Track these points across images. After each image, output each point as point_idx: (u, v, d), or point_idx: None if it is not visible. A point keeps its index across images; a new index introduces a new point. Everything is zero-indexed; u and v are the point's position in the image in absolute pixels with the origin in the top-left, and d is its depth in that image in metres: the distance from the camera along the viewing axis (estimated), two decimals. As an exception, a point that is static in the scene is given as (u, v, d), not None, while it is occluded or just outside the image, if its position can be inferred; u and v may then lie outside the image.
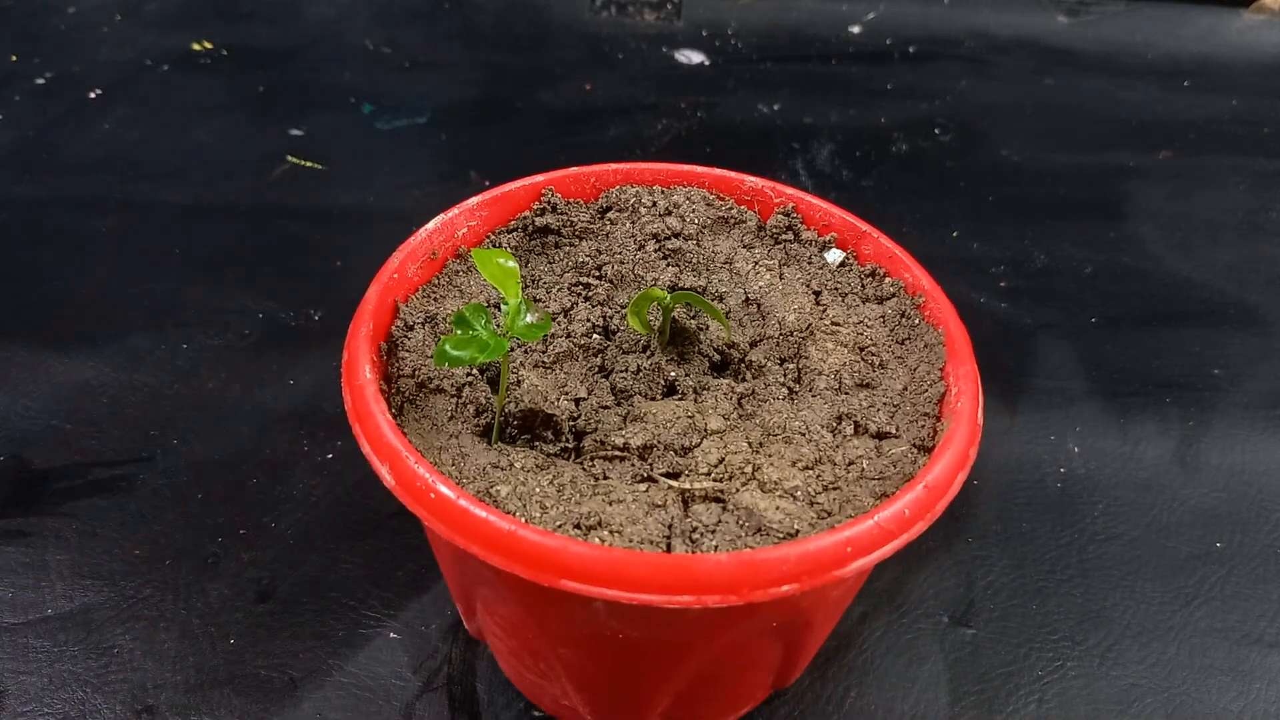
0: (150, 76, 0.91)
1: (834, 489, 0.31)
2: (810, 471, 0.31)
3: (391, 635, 0.43)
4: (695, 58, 1.00)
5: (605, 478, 0.31)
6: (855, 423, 0.33)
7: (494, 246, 0.39)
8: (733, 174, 0.42)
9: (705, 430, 0.33)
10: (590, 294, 0.38)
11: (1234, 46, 1.07)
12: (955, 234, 0.72)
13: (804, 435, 0.33)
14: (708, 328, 0.37)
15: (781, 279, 0.39)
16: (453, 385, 0.33)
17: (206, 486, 0.49)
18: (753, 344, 0.37)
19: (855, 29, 1.08)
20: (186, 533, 0.47)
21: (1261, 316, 0.67)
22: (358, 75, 0.93)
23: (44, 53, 0.93)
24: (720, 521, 0.29)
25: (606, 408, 0.34)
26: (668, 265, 0.40)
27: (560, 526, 0.27)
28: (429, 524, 0.27)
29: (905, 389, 0.34)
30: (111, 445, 0.52)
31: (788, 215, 0.41)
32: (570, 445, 0.33)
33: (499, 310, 0.35)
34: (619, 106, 0.90)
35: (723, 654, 0.32)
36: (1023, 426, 0.56)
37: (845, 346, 0.36)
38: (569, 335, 0.36)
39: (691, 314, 0.38)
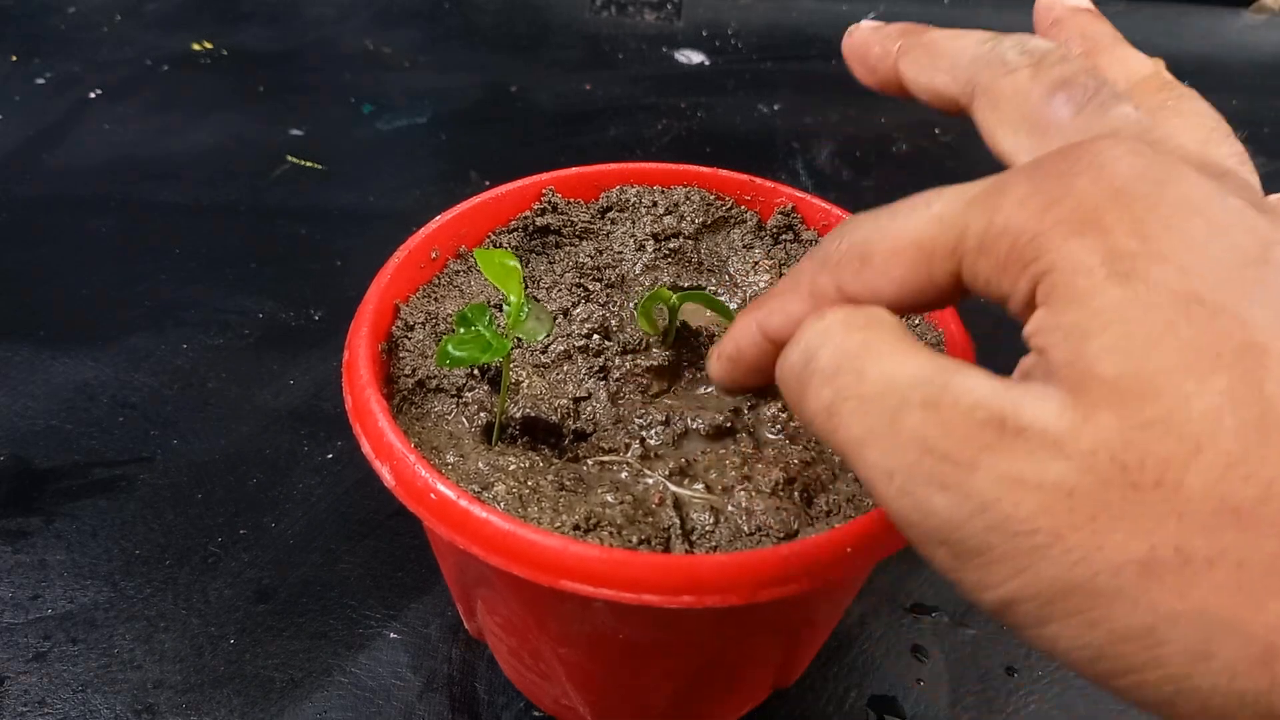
0: (150, 76, 0.91)
1: (834, 489, 0.31)
2: (810, 471, 0.31)
3: (391, 635, 0.43)
4: (695, 58, 1.00)
5: (605, 479, 0.31)
6: (855, 423, 0.33)
7: (494, 246, 0.39)
8: (732, 174, 0.42)
9: (705, 431, 0.33)
10: (590, 294, 0.38)
11: (1234, 46, 1.07)
12: (955, 234, 0.72)
13: (804, 435, 0.33)
14: (708, 327, 0.37)
15: (781, 279, 0.39)
16: (453, 385, 0.33)
17: (206, 486, 0.49)
18: (753, 344, 0.37)
19: (855, 29, 1.07)
20: (186, 533, 0.47)
21: (1261, 316, 0.67)
22: (358, 75, 0.93)
23: (44, 53, 0.93)
24: (720, 522, 0.29)
25: (606, 409, 0.34)
26: (668, 265, 0.40)
27: (560, 527, 0.27)
28: (429, 524, 0.27)
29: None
30: (111, 445, 0.52)
31: (788, 215, 0.41)
32: (570, 446, 0.33)
33: (500, 311, 0.35)
34: (619, 106, 0.90)
35: (723, 654, 0.32)
36: (1023, 426, 0.55)
37: (845, 346, 0.36)
38: (569, 336, 0.36)
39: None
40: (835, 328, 0.20)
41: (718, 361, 0.25)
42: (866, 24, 0.28)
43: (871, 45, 0.27)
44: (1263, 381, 0.16)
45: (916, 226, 0.21)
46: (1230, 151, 0.23)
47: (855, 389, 0.19)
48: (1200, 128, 0.23)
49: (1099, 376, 0.17)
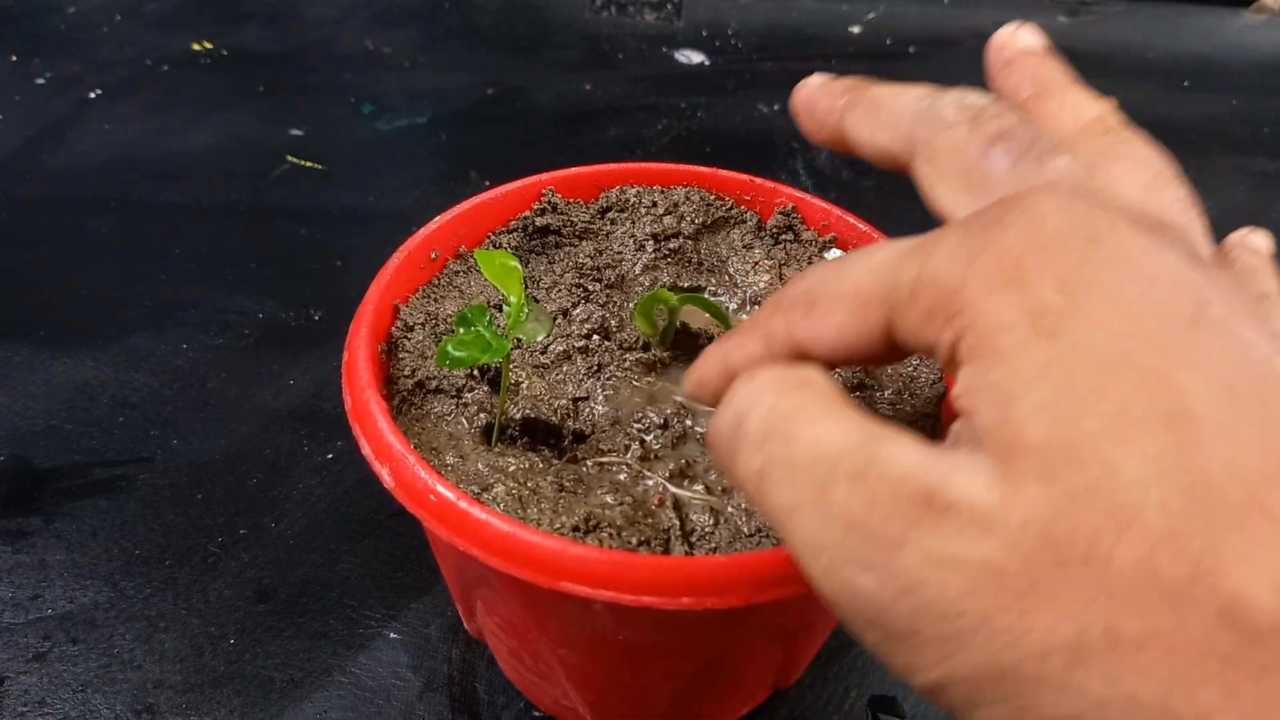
0: (150, 76, 0.91)
1: (834, 490, 0.31)
2: (810, 472, 0.31)
3: (391, 635, 0.43)
4: (695, 58, 1.00)
5: (604, 480, 0.31)
6: (855, 423, 0.33)
7: (494, 247, 0.39)
8: (732, 173, 0.42)
9: (704, 432, 0.33)
10: (590, 294, 0.38)
11: (1234, 46, 1.07)
12: (955, 234, 0.72)
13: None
14: (708, 330, 0.37)
15: (781, 279, 0.39)
16: (453, 386, 0.33)
17: (206, 486, 0.50)
18: (753, 344, 0.37)
19: (855, 29, 1.08)
20: (186, 533, 0.47)
21: (1261, 317, 0.67)
22: (358, 75, 0.93)
23: (44, 53, 0.93)
24: (719, 523, 0.29)
25: (605, 409, 0.34)
26: (668, 265, 0.40)
27: (560, 528, 0.27)
28: (429, 525, 0.27)
29: (904, 389, 0.34)
30: (111, 445, 0.52)
31: (788, 215, 0.41)
32: (570, 447, 0.33)
33: (500, 311, 0.35)
34: (619, 106, 0.90)
35: (723, 655, 0.32)
36: (1023, 427, 0.55)
37: (845, 347, 0.36)
38: (569, 336, 0.36)
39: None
40: (767, 389, 0.20)
41: (688, 384, 0.25)
42: (815, 79, 0.28)
43: (818, 101, 0.27)
44: (1192, 450, 0.15)
45: (857, 275, 0.21)
46: (1173, 198, 0.22)
47: (784, 455, 0.19)
48: (1143, 173, 0.23)
49: (1026, 443, 0.16)
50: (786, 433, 0.19)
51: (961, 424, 0.18)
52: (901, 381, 0.35)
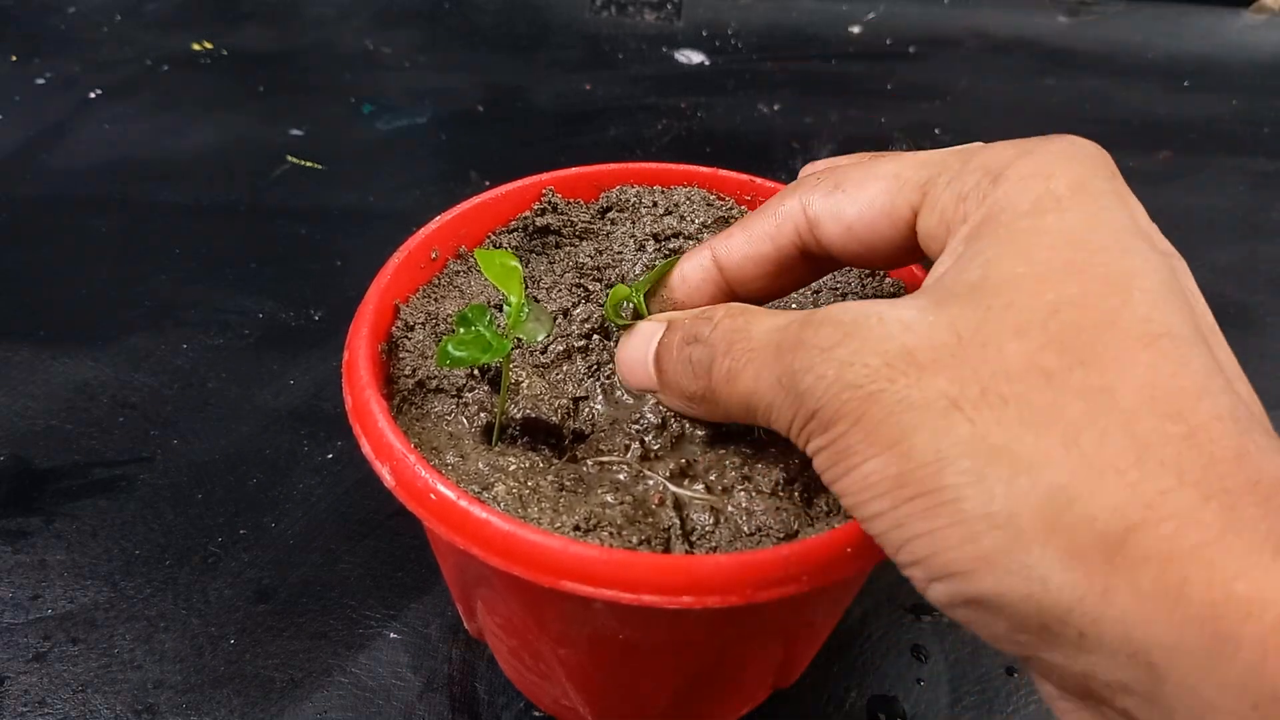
0: (150, 76, 0.91)
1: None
2: (809, 472, 0.31)
3: (391, 635, 0.43)
4: (695, 58, 1.00)
5: (604, 479, 0.31)
6: (855, 423, 0.33)
7: (494, 247, 0.39)
8: (733, 173, 0.42)
9: (704, 431, 0.33)
10: (590, 294, 0.38)
11: (1234, 46, 1.07)
12: (955, 234, 0.72)
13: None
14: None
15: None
16: (453, 386, 0.33)
17: (206, 486, 0.49)
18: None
19: (855, 29, 1.08)
20: (186, 533, 0.47)
21: (1261, 317, 0.67)
22: (358, 75, 0.93)
23: (44, 53, 0.93)
24: (720, 522, 0.29)
25: (605, 409, 0.34)
26: (668, 265, 0.40)
27: (560, 527, 0.27)
28: (429, 525, 0.27)
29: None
30: (111, 445, 0.52)
31: (788, 215, 0.41)
32: (570, 446, 0.33)
33: (500, 311, 0.35)
34: (619, 106, 0.90)
35: (723, 654, 0.32)
36: (1023, 426, 0.55)
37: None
38: (569, 336, 0.36)
39: None
40: (721, 321, 0.25)
41: (675, 276, 0.31)
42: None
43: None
44: (1115, 298, 0.19)
45: (894, 163, 0.24)
46: None
47: (746, 347, 0.24)
48: None
49: (965, 281, 0.20)
50: (746, 334, 0.24)
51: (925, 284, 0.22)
52: None
